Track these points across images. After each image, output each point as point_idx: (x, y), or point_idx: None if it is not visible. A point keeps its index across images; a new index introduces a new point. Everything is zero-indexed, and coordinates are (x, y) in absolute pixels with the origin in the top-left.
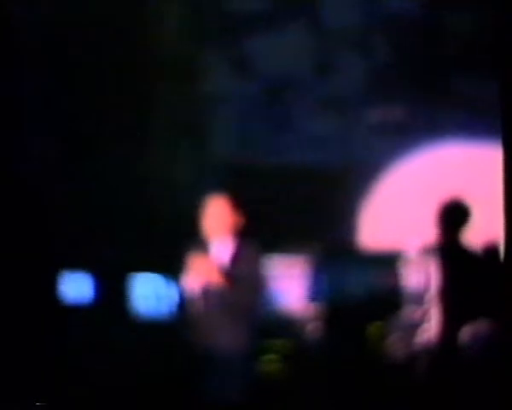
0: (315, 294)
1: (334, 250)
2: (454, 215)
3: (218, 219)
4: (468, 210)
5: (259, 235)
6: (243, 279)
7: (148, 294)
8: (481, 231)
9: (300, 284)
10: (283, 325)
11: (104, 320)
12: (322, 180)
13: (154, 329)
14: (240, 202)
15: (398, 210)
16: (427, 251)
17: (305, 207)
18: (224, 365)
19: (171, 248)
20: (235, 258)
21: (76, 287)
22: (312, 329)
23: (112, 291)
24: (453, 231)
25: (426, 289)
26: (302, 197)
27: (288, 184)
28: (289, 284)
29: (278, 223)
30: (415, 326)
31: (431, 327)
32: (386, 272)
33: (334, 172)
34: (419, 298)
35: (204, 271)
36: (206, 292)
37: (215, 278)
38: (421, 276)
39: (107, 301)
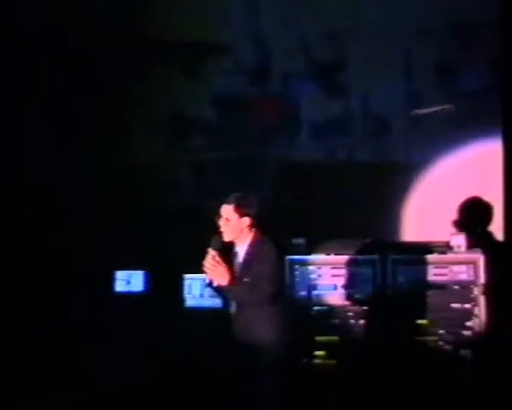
0: (362, 290)
1: (381, 246)
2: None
3: (227, 226)
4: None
5: (307, 233)
6: (253, 277)
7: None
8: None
9: (348, 280)
10: (332, 322)
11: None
12: (369, 177)
13: (200, 320)
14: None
15: (443, 206)
16: (474, 246)
17: (351, 204)
18: (259, 358)
19: None
20: (247, 257)
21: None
22: (360, 325)
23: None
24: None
25: (474, 282)
26: (348, 194)
27: (333, 181)
28: (338, 281)
29: (326, 221)
30: (463, 320)
31: (480, 321)
32: (434, 266)
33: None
34: (467, 292)
35: (210, 268)
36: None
37: (219, 277)
38: (469, 270)
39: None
